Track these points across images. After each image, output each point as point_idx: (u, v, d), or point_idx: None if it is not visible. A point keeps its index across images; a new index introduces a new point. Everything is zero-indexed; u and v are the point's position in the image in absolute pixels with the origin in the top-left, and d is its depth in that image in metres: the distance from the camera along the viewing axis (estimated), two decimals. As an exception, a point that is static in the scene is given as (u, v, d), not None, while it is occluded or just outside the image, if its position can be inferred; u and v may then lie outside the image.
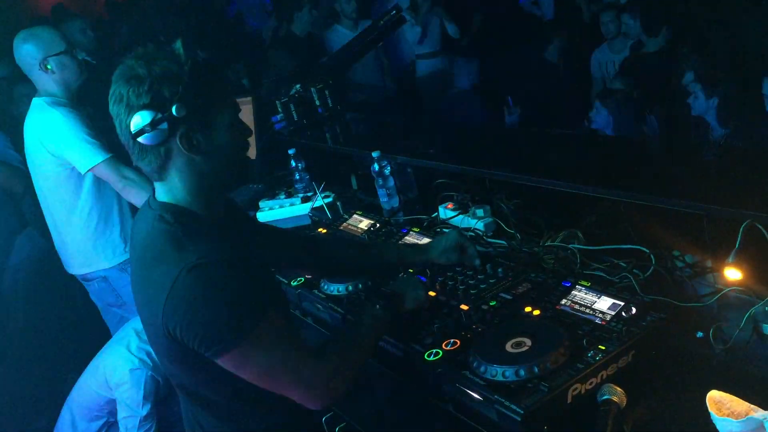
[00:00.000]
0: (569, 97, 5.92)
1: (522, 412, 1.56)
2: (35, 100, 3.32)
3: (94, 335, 3.66)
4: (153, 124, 1.51)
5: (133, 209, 3.46)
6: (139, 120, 1.51)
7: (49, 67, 3.23)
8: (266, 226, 2.12)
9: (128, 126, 1.53)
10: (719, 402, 1.52)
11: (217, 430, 1.73)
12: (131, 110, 1.52)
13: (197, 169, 1.59)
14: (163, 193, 1.63)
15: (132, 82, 1.51)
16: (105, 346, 3.17)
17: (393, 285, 2.08)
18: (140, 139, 1.53)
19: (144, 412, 2.97)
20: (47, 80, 3.27)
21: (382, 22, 4.34)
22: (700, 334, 1.84)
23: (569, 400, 1.62)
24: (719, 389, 1.55)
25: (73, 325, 4.08)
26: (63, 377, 3.42)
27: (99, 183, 3.37)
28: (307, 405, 1.64)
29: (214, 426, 1.73)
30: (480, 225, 2.57)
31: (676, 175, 2.28)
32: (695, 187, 2.13)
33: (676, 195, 2.07)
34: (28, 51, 3.23)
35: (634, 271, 2.07)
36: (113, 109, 1.56)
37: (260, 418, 1.72)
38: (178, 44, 4.97)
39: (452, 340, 1.88)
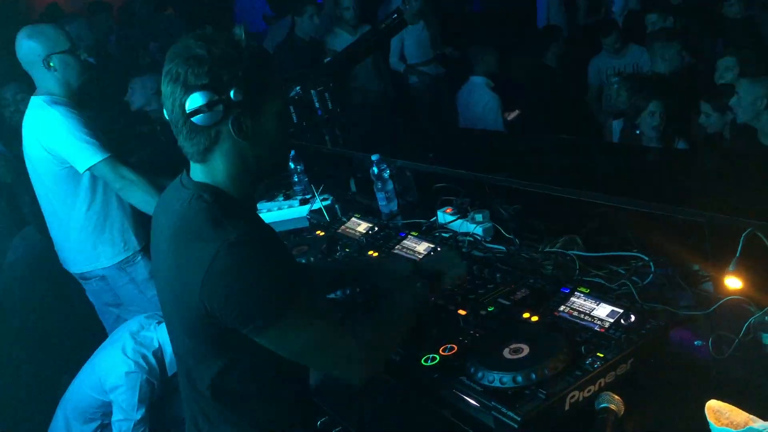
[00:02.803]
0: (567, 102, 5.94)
1: (519, 419, 1.55)
2: (34, 99, 3.31)
3: (90, 335, 3.64)
4: (209, 106, 1.52)
5: (132, 208, 3.44)
6: (195, 100, 1.52)
7: (51, 64, 3.21)
8: None
9: (182, 105, 1.53)
10: (718, 412, 1.51)
11: (222, 418, 1.71)
12: (188, 90, 1.52)
13: (242, 155, 1.60)
14: (201, 174, 1.64)
15: (191, 61, 1.51)
16: (100, 347, 3.15)
17: (433, 261, 2.07)
18: (193, 120, 1.54)
19: (138, 416, 2.96)
20: (48, 78, 3.26)
21: (383, 26, 4.33)
22: (698, 343, 1.83)
23: (567, 408, 1.61)
24: (718, 398, 1.54)
25: (69, 324, 4.06)
26: (57, 377, 3.40)
27: (98, 182, 3.36)
28: (348, 379, 1.70)
29: (218, 415, 1.71)
30: (479, 230, 2.56)
31: (678, 182, 2.27)
32: (697, 194, 2.12)
33: (677, 203, 2.06)
34: (31, 47, 3.22)
35: (633, 278, 2.05)
36: (166, 87, 1.56)
37: (267, 408, 1.71)
38: (240, 30, 5.00)
39: (449, 345, 1.87)
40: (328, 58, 5.25)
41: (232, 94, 1.52)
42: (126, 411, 2.95)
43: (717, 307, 1.87)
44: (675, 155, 3.30)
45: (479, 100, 5.53)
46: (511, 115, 5.70)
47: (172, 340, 1.80)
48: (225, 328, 1.54)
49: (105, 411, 3.02)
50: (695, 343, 1.83)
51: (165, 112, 1.61)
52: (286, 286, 1.54)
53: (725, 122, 4.15)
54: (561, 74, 6.03)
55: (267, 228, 1.67)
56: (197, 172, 1.65)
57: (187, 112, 1.53)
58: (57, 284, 3.88)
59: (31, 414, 3.54)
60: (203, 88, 1.51)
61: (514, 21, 7.44)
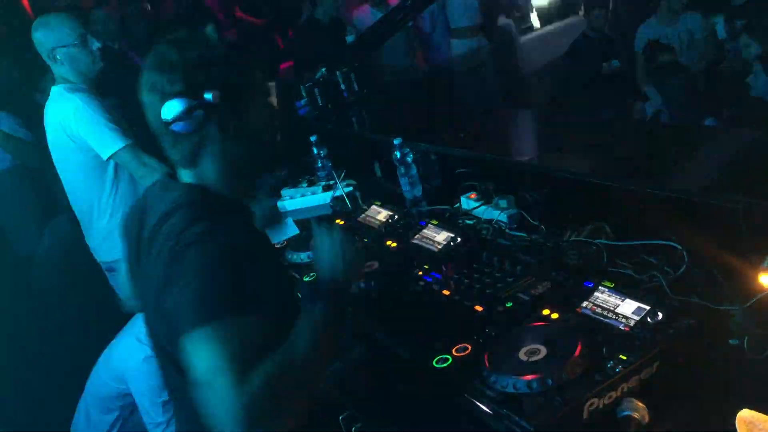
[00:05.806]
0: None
1: (533, 429, 1.45)
2: (54, 89, 3.30)
3: (119, 328, 3.63)
4: (188, 112, 1.47)
5: None
6: (173, 108, 1.47)
7: (58, 57, 3.20)
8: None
9: (161, 114, 1.49)
10: (750, 423, 1.38)
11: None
12: (165, 98, 1.48)
13: (230, 154, 1.56)
14: (190, 177, 1.58)
15: (164, 67, 1.49)
16: (116, 337, 3.15)
17: (319, 268, 1.66)
18: (174, 127, 1.49)
19: (165, 397, 2.93)
20: (60, 68, 3.25)
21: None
22: (734, 342, 1.68)
23: (585, 416, 1.49)
24: (753, 404, 1.41)
25: (104, 316, 4.07)
26: (85, 371, 3.41)
27: (123, 168, 3.34)
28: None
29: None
30: (503, 216, 2.44)
31: (713, 166, 2.12)
32: (734, 179, 1.96)
33: (713, 188, 1.91)
34: (38, 40, 3.23)
35: (665, 269, 1.91)
36: (146, 97, 1.51)
37: None
38: (210, 29, 4.93)
39: (463, 345, 1.77)
40: (350, 37, 5.13)
41: (210, 97, 1.46)
42: (150, 397, 2.92)
43: (755, 302, 1.72)
44: (709, 135, 3.10)
45: None
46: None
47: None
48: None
49: (124, 403, 3.01)
50: (730, 341, 1.69)
51: (148, 121, 1.54)
52: (222, 299, 1.34)
53: None
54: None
55: (241, 234, 1.49)
56: (185, 175, 1.59)
57: (167, 120, 1.47)
58: (91, 274, 3.88)
59: (60, 405, 3.57)
60: (179, 94, 1.46)
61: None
